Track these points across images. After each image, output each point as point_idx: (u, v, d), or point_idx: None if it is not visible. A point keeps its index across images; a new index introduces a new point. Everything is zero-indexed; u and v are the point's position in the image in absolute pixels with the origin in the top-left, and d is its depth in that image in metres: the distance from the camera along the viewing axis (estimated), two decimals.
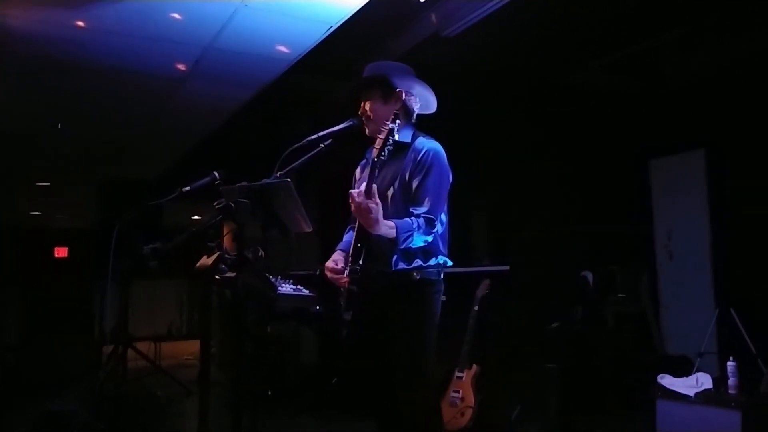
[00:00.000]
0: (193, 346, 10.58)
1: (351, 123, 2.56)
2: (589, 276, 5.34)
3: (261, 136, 6.25)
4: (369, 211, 2.20)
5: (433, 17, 4.36)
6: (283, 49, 4.11)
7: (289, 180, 2.13)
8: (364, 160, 2.73)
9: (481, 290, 4.41)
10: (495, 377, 4.34)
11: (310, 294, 2.73)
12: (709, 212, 5.17)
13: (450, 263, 2.54)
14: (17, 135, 6.13)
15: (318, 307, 2.90)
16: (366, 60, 4.59)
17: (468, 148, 4.30)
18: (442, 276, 2.52)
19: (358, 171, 2.78)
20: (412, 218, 2.36)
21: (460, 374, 4.24)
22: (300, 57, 4.24)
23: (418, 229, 2.34)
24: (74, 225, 12.07)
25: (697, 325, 4.87)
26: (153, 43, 4.05)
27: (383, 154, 2.26)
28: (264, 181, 2.16)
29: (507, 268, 4.92)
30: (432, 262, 2.47)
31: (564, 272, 5.53)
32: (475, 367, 4.22)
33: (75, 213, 10.71)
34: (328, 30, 3.83)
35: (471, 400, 4.11)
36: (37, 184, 8.31)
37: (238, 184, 2.09)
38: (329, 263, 2.56)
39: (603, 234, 5.61)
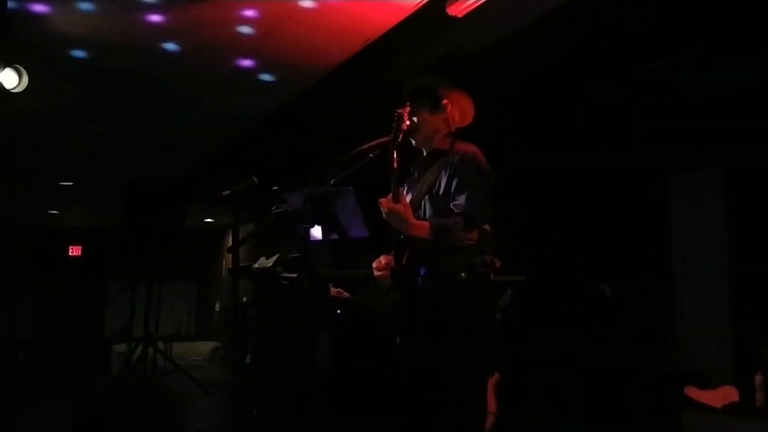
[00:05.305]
0: (202, 347, 10.68)
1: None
2: (606, 288, 5.42)
3: (283, 144, 6.34)
4: (397, 214, 2.31)
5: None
6: (317, 60, 4.22)
7: (351, 188, 2.24)
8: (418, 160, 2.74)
9: (504, 299, 4.49)
10: (516, 385, 4.42)
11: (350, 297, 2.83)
12: (728, 229, 5.24)
13: (498, 263, 2.51)
14: (45, 134, 6.26)
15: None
16: (394, 73, 4.69)
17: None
18: (491, 276, 2.49)
19: (411, 167, 2.75)
20: (450, 216, 2.39)
21: None
22: (332, 69, 4.35)
23: (456, 227, 2.36)
24: (90, 224, 12.17)
25: (713, 339, 4.96)
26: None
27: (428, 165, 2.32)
28: (327, 188, 2.26)
29: (524, 278, 5.00)
30: (477, 260, 2.44)
31: (581, 283, 5.59)
32: (497, 374, 4.30)
33: (95, 212, 10.80)
34: (364, 43, 3.93)
35: (493, 407, 4.19)
36: (60, 183, 8.42)
37: (305, 191, 2.18)
38: (375, 262, 2.60)
39: (620, 247, 5.68)
